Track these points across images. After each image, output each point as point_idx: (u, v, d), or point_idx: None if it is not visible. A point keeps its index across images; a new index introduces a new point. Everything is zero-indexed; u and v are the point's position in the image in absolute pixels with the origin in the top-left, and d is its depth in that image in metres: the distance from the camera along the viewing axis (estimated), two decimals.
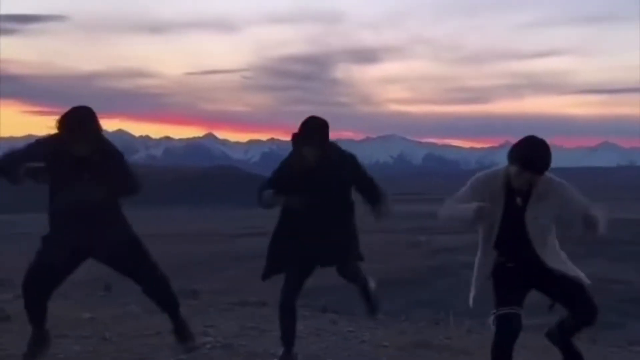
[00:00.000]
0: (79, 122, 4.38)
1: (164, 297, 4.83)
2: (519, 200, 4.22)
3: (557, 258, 4.33)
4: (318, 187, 4.72)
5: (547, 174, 4.18)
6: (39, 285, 4.53)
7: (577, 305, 4.31)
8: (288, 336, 4.90)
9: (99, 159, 4.44)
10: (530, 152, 4.12)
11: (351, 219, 4.93)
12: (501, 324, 4.17)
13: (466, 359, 6.06)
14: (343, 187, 4.84)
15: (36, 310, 4.65)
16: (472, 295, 4.46)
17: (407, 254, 60.62)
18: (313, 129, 4.73)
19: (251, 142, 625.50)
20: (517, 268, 4.29)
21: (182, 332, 4.97)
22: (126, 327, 6.15)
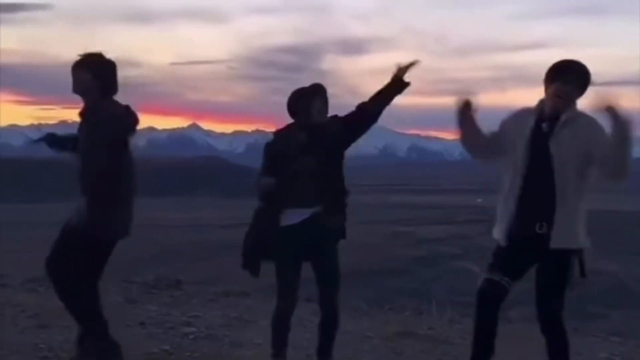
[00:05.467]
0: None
1: None
2: (544, 125, 3.99)
3: (569, 229, 4.00)
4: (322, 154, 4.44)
5: (583, 109, 4.00)
6: None
7: (539, 305, 4.15)
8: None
9: None
10: (562, 62, 4.01)
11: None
12: (481, 289, 4.10)
13: (448, 348, 6.10)
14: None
15: None
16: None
17: (391, 244, 60.88)
18: (319, 86, 4.52)
19: (236, 133, 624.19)
20: (524, 240, 4.02)
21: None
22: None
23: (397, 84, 4.52)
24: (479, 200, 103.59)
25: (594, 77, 3.99)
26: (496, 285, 4.09)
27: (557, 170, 3.94)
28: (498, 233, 4.17)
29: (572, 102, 4.00)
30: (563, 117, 3.95)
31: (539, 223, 3.99)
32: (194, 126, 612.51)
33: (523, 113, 4.12)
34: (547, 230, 3.99)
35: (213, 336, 5.76)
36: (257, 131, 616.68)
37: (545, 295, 4.15)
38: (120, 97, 4.50)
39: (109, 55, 4.47)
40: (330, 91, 4.60)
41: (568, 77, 3.96)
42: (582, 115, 3.99)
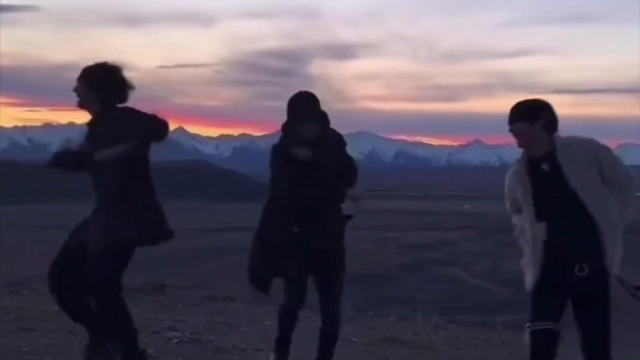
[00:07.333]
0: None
1: None
2: (544, 166, 3.80)
3: (617, 248, 3.87)
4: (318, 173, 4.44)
5: (570, 136, 3.89)
6: None
7: (587, 345, 3.84)
8: None
9: None
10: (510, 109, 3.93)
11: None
12: (534, 342, 3.74)
13: (433, 355, 6.11)
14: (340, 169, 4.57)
15: None
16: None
17: (378, 250, 60.82)
18: (311, 102, 4.44)
19: (222, 137, 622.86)
20: (560, 269, 3.73)
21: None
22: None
23: None
24: (466, 206, 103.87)
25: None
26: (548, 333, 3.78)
27: (587, 200, 3.74)
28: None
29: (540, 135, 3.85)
30: (559, 155, 3.79)
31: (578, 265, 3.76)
32: (180, 129, 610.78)
33: (513, 174, 3.91)
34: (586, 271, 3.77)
35: (197, 341, 5.74)
36: (243, 135, 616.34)
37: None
38: None
39: (111, 63, 4.35)
40: (318, 96, 4.56)
41: (510, 117, 3.89)
42: (572, 143, 3.85)
